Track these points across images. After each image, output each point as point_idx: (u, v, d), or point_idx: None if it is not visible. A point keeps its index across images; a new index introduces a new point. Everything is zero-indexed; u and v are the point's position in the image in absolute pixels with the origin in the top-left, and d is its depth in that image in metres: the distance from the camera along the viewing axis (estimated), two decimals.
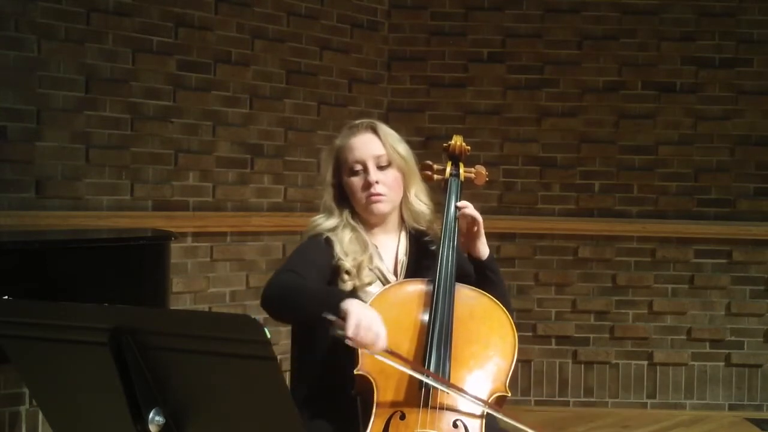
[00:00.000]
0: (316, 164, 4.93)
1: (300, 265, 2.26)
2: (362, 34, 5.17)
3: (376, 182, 2.34)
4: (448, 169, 2.44)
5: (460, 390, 2.11)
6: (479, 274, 2.37)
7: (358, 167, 2.36)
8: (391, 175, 2.37)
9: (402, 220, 2.45)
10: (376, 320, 2.01)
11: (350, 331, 1.97)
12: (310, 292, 2.15)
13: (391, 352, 2.04)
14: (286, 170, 4.84)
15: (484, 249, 2.35)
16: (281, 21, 4.81)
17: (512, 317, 2.31)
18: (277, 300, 2.18)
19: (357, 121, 2.45)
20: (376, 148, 2.37)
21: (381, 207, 2.37)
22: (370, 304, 2.21)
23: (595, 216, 5.29)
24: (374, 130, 2.39)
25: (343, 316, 1.99)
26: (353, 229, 2.38)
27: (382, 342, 2.01)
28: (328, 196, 2.42)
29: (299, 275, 2.20)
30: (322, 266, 2.30)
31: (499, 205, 5.26)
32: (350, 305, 2.01)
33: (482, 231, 2.35)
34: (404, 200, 2.42)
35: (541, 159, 5.30)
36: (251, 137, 4.70)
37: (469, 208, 2.35)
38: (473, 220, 2.34)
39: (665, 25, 5.29)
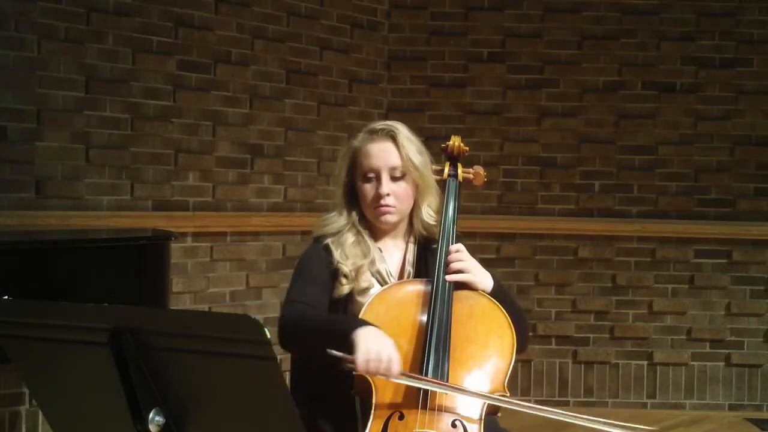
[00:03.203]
0: (317, 164, 4.94)
1: (303, 292, 2.27)
2: (362, 34, 5.16)
3: (388, 194, 2.33)
4: (447, 170, 2.44)
5: (476, 394, 2.11)
6: None
7: (372, 175, 2.35)
8: (404, 187, 2.36)
9: (411, 226, 2.45)
10: (385, 348, 2.01)
11: (360, 367, 1.99)
12: (322, 329, 2.14)
13: (406, 374, 2.04)
14: (286, 170, 4.84)
15: (483, 285, 2.30)
16: (281, 21, 4.81)
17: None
18: (291, 344, 2.19)
19: (378, 126, 2.40)
20: (393, 158, 2.34)
21: (389, 218, 2.37)
22: (369, 304, 2.23)
23: (595, 216, 5.29)
24: (393, 139, 2.35)
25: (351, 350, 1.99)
26: (358, 233, 2.38)
27: (396, 367, 2.01)
28: (339, 193, 2.42)
29: (306, 304, 2.22)
30: (323, 279, 2.31)
31: (499, 205, 5.27)
32: (357, 337, 2.02)
33: (473, 271, 2.29)
34: (415, 210, 2.41)
35: (541, 159, 5.30)
36: (251, 137, 4.70)
37: (460, 256, 2.30)
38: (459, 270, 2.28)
39: (665, 25, 5.29)
